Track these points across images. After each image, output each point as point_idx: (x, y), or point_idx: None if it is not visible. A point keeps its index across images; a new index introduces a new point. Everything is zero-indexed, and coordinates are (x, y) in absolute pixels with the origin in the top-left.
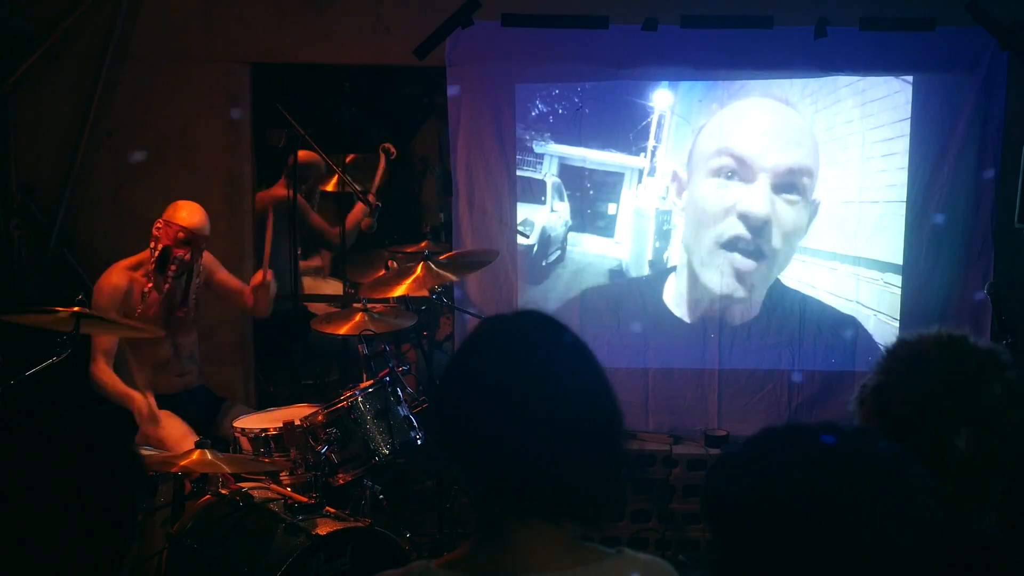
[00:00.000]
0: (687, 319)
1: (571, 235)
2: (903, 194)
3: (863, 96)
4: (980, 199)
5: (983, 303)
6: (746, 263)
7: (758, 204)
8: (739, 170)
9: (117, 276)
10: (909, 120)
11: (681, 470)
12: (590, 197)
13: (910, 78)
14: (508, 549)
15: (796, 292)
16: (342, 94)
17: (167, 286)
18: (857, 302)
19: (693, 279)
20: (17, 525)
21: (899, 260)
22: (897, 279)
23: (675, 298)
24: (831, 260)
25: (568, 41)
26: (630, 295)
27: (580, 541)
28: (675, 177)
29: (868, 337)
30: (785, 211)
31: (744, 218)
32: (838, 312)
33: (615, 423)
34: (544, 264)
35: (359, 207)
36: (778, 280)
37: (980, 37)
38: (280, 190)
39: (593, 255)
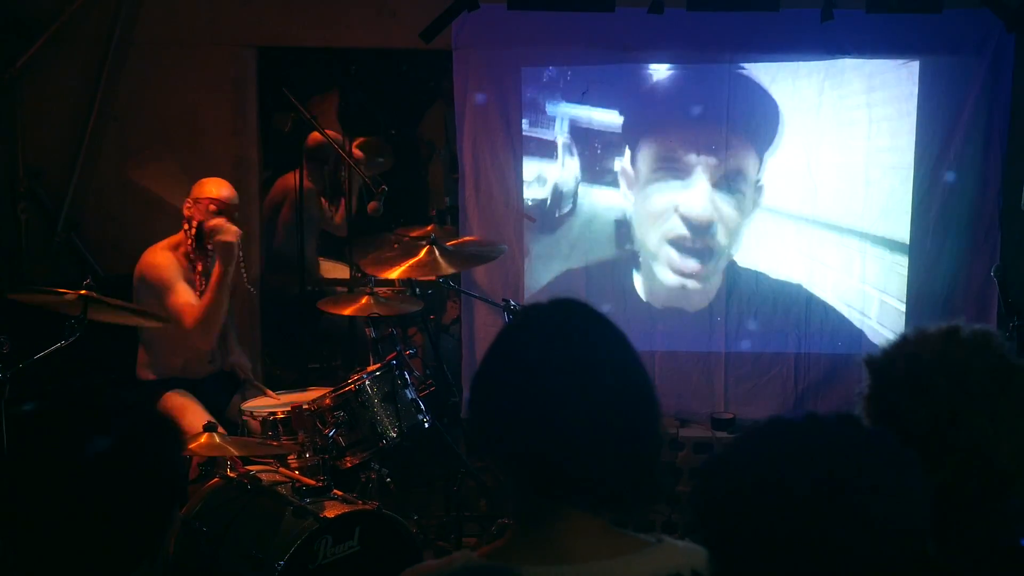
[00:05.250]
0: (655, 305)
1: (581, 188)
2: (910, 177)
3: (870, 78)
4: (987, 181)
5: (989, 285)
6: (689, 263)
7: (698, 203)
8: (680, 169)
9: (162, 255)
10: (916, 102)
11: (688, 453)
12: (598, 154)
13: (917, 60)
14: (549, 539)
15: (795, 285)
16: (348, 78)
17: (208, 261)
18: (863, 282)
19: (648, 270)
20: (74, 493)
21: (905, 250)
22: (904, 259)
23: (640, 285)
24: (839, 234)
25: (574, 24)
26: (631, 272)
27: (618, 529)
28: (623, 172)
29: (873, 321)
30: (726, 206)
31: (686, 219)
32: (844, 294)
33: (653, 410)
34: (557, 215)
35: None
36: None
37: (987, 19)
38: (306, 183)
39: (601, 207)
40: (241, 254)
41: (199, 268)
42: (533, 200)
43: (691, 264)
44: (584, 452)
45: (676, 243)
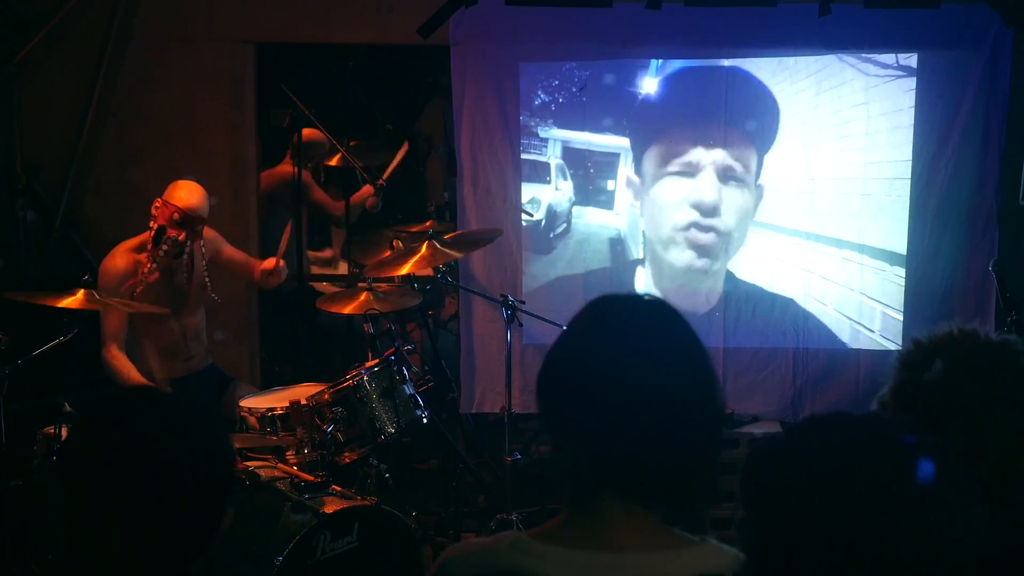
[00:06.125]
0: None
1: (575, 209)
2: (907, 172)
3: (867, 74)
4: (984, 177)
5: (987, 281)
6: (704, 236)
7: (707, 193)
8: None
9: (120, 258)
10: (913, 98)
11: None
12: (591, 175)
13: (914, 56)
14: (599, 527)
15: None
16: (346, 74)
17: (157, 265)
18: (862, 293)
19: (658, 265)
20: (132, 491)
21: (903, 245)
22: (901, 268)
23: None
24: (835, 247)
25: (572, 19)
26: (631, 277)
27: (666, 525)
28: (629, 183)
29: (871, 320)
30: (732, 196)
31: (697, 206)
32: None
33: (719, 412)
34: (551, 236)
35: (366, 188)
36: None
37: (985, 14)
38: (286, 168)
39: (595, 226)
40: (201, 256)
41: (144, 270)
42: (527, 222)
43: (706, 237)
44: (648, 449)
45: (688, 230)
